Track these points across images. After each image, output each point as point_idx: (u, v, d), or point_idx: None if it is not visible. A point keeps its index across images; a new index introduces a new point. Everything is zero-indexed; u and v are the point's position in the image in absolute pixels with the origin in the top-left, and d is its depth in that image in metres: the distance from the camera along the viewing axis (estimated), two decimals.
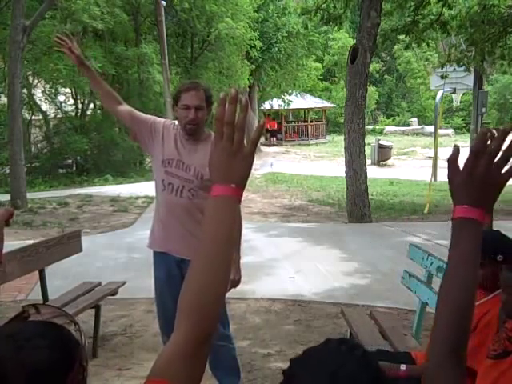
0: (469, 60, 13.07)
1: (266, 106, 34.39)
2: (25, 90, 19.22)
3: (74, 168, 22.61)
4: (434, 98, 21.83)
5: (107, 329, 4.83)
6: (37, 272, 4.36)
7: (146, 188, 13.93)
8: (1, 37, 16.56)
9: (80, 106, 23.38)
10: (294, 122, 36.39)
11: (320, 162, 25.98)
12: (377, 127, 38.94)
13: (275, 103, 32.99)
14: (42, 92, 22.29)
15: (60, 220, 11.49)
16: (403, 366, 2.27)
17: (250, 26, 23.96)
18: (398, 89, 45.78)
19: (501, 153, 1.02)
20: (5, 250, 3.31)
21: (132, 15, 22.43)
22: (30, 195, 13.93)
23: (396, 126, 40.75)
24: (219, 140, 1.04)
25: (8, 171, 15.48)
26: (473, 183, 1.02)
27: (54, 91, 22.19)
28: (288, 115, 36.07)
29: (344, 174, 10.60)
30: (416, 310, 3.69)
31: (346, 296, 5.78)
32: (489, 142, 1.03)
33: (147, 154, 3.73)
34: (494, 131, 1.03)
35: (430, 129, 30.65)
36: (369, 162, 15.36)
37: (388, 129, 38.82)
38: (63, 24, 18.10)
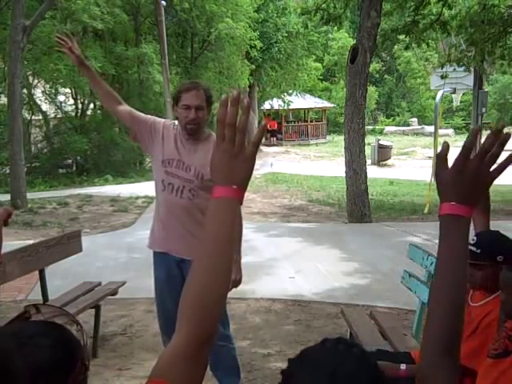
0: (469, 60, 13.07)
1: (266, 106, 34.39)
2: (25, 90, 19.22)
3: (74, 168, 22.61)
4: (433, 98, 21.83)
5: (107, 329, 4.83)
6: (37, 272, 4.36)
7: (146, 188, 13.92)
8: (1, 37, 16.57)
9: (80, 106, 23.38)
10: (294, 122, 36.39)
11: (320, 162, 25.98)
12: (377, 127, 38.93)
13: (275, 103, 32.99)
14: (42, 92, 22.28)
15: (60, 220, 11.49)
16: (403, 366, 2.28)
17: (249, 26, 23.96)
18: (398, 89, 45.78)
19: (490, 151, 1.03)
20: (5, 250, 3.31)
21: (132, 15, 22.43)
22: (29, 195, 13.93)
23: (396, 126, 40.74)
24: (221, 142, 1.04)
25: (8, 171, 15.48)
26: (462, 180, 1.03)
27: (54, 91, 22.20)
28: (288, 115, 36.06)
29: (344, 174, 10.60)
30: (416, 309, 3.69)
31: (346, 296, 5.78)
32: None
33: (147, 154, 3.72)
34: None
35: (430, 129, 30.66)
36: (369, 162, 15.37)
37: (388, 129, 38.81)
38: (63, 24, 18.10)
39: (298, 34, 27.50)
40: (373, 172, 15.51)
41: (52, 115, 23.15)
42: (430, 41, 16.03)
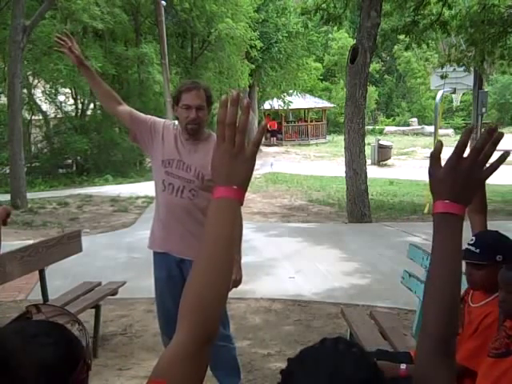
0: (469, 60, 13.08)
1: (266, 106, 34.40)
2: (25, 90, 19.22)
3: (74, 168, 22.61)
4: (433, 98, 21.83)
5: (107, 329, 4.83)
6: (37, 272, 4.35)
7: (146, 188, 13.92)
8: (1, 37, 16.56)
9: (80, 106, 23.38)
10: (294, 122, 36.40)
11: (320, 162, 25.98)
12: (377, 127, 38.95)
13: (275, 103, 33.00)
14: (42, 92, 22.28)
15: (60, 220, 11.49)
16: (403, 366, 2.28)
17: (249, 26, 23.96)
18: (398, 89, 45.81)
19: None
20: (4, 250, 3.32)
21: (132, 15, 22.43)
22: (30, 195, 13.93)
23: (396, 126, 40.77)
24: (221, 142, 1.05)
25: (8, 171, 15.49)
26: (455, 179, 1.03)
27: (53, 91, 22.19)
28: (288, 115, 36.07)
29: (344, 174, 10.60)
30: (416, 309, 3.69)
31: (346, 296, 5.78)
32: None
33: (147, 154, 3.72)
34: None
35: (430, 129, 30.67)
36: (369, 162, 15.36)
37: (388, 129, 38.82)
38: (63, 24, 18.11)
39: (298, 33, 27.51)
40: (373, 172, 15.52)
41: (52, 115, 23.16)
42: (429, 41, 16.05)
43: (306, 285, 6.17)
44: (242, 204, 1.07)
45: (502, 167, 1.09)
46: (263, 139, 30.86)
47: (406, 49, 17.75)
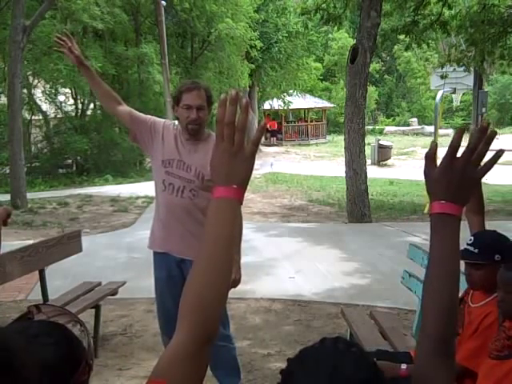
0: (469, 60, 13.07)
1: (266, 106, 34.40)
2: (25, 90, 19.22)
3: (74, 168, 22.61)
4: (433, 98, 21.82)
5: (107, 329, 4.83)
6: (37, 272, 4.36)
7: (146, 188, 13.92)
8: (1, 37, 16.56)
9: (80, 105, 23.37)
10: (294, 122, 36.40)
11: (320, 162, 25.98)
12: (377, 127, 38.94)
13: (275, 103, 33.00)
14: (42, 92, 22.28)
15: (60, 220, 11.49)
16: (403, 366, 2.28)
17: (250, 26, 23.96)
18: (398, 89, 45.81)
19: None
20: (4, 250, 3.32)
21: (132, 15, 22.43)
22: (30, 195, 13.93)
23: (396, 126, 40.76)
24: (220, 141, 1.04)
25: (8, 171, 15.49)
26: (450, 179, 1.03)
27: (53, 91, 22.18)
28: (288, 115, 36.07)
29: (344, 174, 10.60)
30: (416, 309, 3.69)
31: (346, 296, 5.78)
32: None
33: (147, 154, 3.72)
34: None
35: (430, 129, 30.65)
36: (369, 162, 15.37)
37: (388, 129, 38.82)
38: (63, 24, 18.10)
39: (298, 33, 27.50)
40: (373, 172, 15.52)
41: (52, 115, 23.15)
42: (430, 41, 16.04)
43: (306, 285, 6.17)
44: (241, 203, 1.07)
45: (502, 167, 1.09)
46: (263, 139, 30.75)
47: (406, 49, 17.74)
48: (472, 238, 2.26)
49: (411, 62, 40.94)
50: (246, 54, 25.25)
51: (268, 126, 34.73)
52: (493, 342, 2.00)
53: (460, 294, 2.36)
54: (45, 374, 0.93)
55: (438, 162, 1.06)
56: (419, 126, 38.28)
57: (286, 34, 27.74)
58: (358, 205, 10.31)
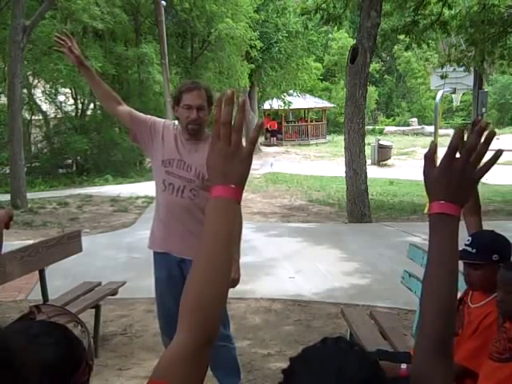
0: (469, 60, 13.07)
1: (266, 106, 34.41)
2: (25, 90, 19.22)
3: (74, 168, 22.62)
4: (433, 98, 21.82)
5: (107, 329, 4.83)
6: (37, 272, 4.36)
7: (146, 188, 13.93)
8: (1, 37, 16.56)
9: (80, 106, 23.38)
10: (294, 122, 36.41)
11: (320, 162, 25.98)
12: (377, 127, 38.95)
13: (275, 103, 33.01)
14: (42, 92, 22.28)
15: (60, 220, 11.49)
16: (404, 366, 2.28)
17: (250, 26, 23.97)
18: (398, 89, 45.82)
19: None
20: (5, 250, 3.32)
21: (132, 15, 22.43)
22: (30, 195, 13.93)
23: (396, 126, 40.77)
24: (216, 141, 1.04)
25: (8, 171, 15.49)
26: (449, 179, 1.03)
27: (53, 91, 22.19)
28: (288, 115, 36.08)
29: (344, 174, 10.60)
30: (416, 309, 3.69)
31: (346, 296, 5.78)
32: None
33: (147, 154, 3.72)
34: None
35: (430, 129, 30.64)
36: (369, 162, 15.37)
37: (388, 129, 38.82)
38: (63, 24, 18.11)
39: (298, 33, 27.51)
40: (373, 172, 15.52)
41: (52, 115, 23.16)
42: (430, 41, 16.04)
43: (306, 285, 6.17)
44: (239, 203, 1.07)
45: (502, 167, 1.09)
46: (263, 139, 30.73)
47: (406, 49, 17.75)
48: (470, 238, 2.27)
49: (411, 62, 40.96)
50: (246, 53, 25.26)
51: (268, 125, 34.78)
52: (493, 344, 2.00)
53: (460, 295, 2.36)
54: (45, 374, 0.93)
55: (438, 162, 1.07)
56: (419, 126, 38.28)
57: (286, 34, 27.75)
58: (358, 205, 10.31)
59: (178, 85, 3.84)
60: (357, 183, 10.29)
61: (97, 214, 12.32)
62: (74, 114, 23.29)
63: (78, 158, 22.30)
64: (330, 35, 38.49)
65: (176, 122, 3.25)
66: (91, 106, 23.31)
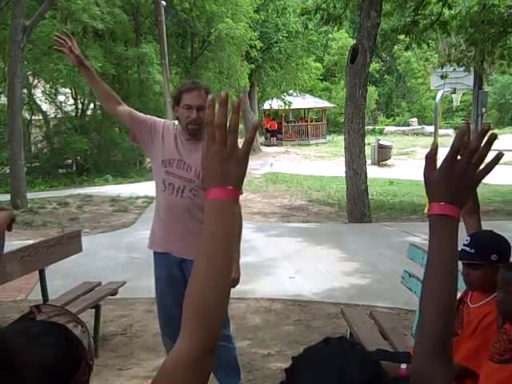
0: (469, 60, 13.08)
1: (266, 106, 34.41)
2: (25, 90, 19.22)
3: (74, 168, 22.62)
4: (434, 98, 21.83)
5: (107, 329, 4.83)
6: (37, 272, 4.36)
7: (146, 188, 13.93)
8: (1, 37, 16.56)
9: (80, 106, 23.38)
10: (294, 122, 36.41)
11: (320, 162, 25.98)
12: (377, 127, 38.95)
13: (275, 103, 33.01)
14: (42, 92, 22.29)
15: (60, 220, 11.49)
16: (404, 366, 2.28)
17: (250, 26, 23.97)
18: (398, 89, 45.82)
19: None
20: (5, 250, 3.31)
21: (132, 15, 22.43)
22: (30, 195, 13.93)
23: (396, 126, 40.77)
24: (211, 143, 1.03)
25: (8, 171, 15.49)
26: (450, 181, 1.04)
27: (53, 91, 22.19)
28: (288, 115, 36.08)
29: (344, 174, 10.60)
30: (416, 309, 3.69)
31: (346, 296, 5.78)
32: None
33: (147, 154, 3.71)
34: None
35: (430, 129, 30.67)
36: (369, 162, 15.37)
37: (388, 129, 38.82)
38: (63, 24, 18.10)
39: (298, 33, 27.52)
40: (373, 172, 15.52)
41: (52, 115, 23.16)
42: (430, 41, 16.04)
43: (306, 285, 6.17)
44: (238, 202, 1.07)
45: (502, 167, 1.09)
46: (263, 139, 30.65)
47: (406, 49, 17.76)
48: (469, 238, 2.27)
49: (411, 62, 40.95)
50: (246, 53, 25.26)
51: (268, 125, 34.81)
52: (493, 345, 2.00)
53: (459, 295, 2.36)
54: (45, 374, 0.93)
55: (438, 163, 1.07)
56: (419, 126, 38.29)
57: (286, 34, 27.76)
58: (358, 205, 10.31)
59: (178, 85, 3.84)
60: (357, 183, 10.29)
61: (97, 214, 12.32)
62: (74, 114, 23.29)
63: (78, 158, 22.30)
64: (330, 35, 38.50)
65: (176, 121, 3.25)
66: (91, 106, 23.32)
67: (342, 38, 37.93)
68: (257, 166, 22.30)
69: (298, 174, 20.42)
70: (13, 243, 6.31)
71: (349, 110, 10.23)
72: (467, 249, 2.23)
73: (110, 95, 3.22)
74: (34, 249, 4.23)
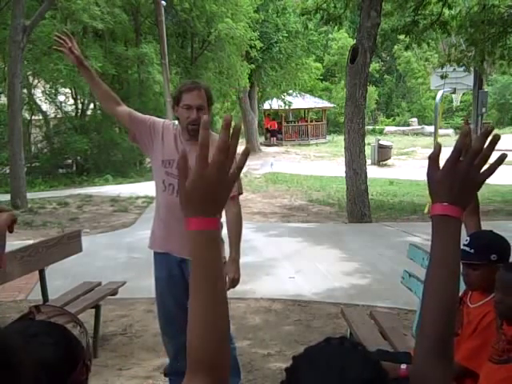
0: (469, 60, 13.08)
1: (266, 106, 34.41)
2: (25, 90, 19.23)
3: (74, 168, 22.63)
4: (434, 98, 21.83)
5: (107, 329, 4.83)
6: (37, 272, 4.36)
7: (146, 188, 13.93)
8: (1, 37, 16.56)
9: (80, 106, 23.39)
10: (294, 122, 36.40)
11: (320, 162, 25.98)
12: (377, 127, 38.95)
13: (275, 103, 33.01)
14: (42, 92, 22.29)
15: (60, 220, 11.49)
16: (404, 366, 2.28)
17: (249, 26, 23.97)
18: (398, 89, 45.81)
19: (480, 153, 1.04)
20: (5, 250, 3.31)
21: (132, 15, 22.44)
22: (30, 195, 13.94)
23: (396, 126, 40.77)
24: (204, 168, 0.96)
25: (8, 171, 15.49)
26: (453, 181, 1.04)
27: (54, 91, 22.20)
28: (288, 115, 36.08)
29: (344, 174, 10.60)
30: (416, 309, 3.69)
31: (346, 296, 5.78)
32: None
33: (146, 154, 3.71)
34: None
35: (430, 129, 30.68)
36: (369, 162, 15.37)
37: (388, 129, 38.82)
38: (63, 24, 18.11)
39: (298, 33, 27.53)
40: (373, 172, 15.52)
41: (52, 115, 23.16)
42: (430, 41, 16.04)
43: (306, 285, 6.17)
44: (219, 228, 1.06)
45: (502, 167, 1.09)
46: (264, 139, 30.56)
47: (406, 49, 17.78)
48: (468, 238, 2.27)
49: (411, 62, 40.95)
50: (246, 53, 25.26)
51: (268, 125, 34.83)
52: (493, 346, 2.00)
53: (459, 295, 2.36)
54: (43, 373, 0.93)
55: (441, 163, 1.07)
56: (419, 126, 38.29)
57: (286, 34, 27.77)
58: (358, 205, 10.31)
59: (178, 85, 3.84)
60: (357, 183, 10.29)
61: (97, 214, 12.32)
62: (74, 114, 23.30)
63: (78, 158, 22.31)
64: (330, 35, 38.49)
65: (176, 122, 3.25)
66: (91, 106, 23.32)
67: (342, 38, 37.93)
68: (257, 166, 22.32)
69: (298, 174, 20.42)
70: (13, 243, 6.30)
71: (349, 110, 10.23)
72: (467, 249, 2.23)
73: (110, 96, 3.22)
74: (34, 249, 4.23)
